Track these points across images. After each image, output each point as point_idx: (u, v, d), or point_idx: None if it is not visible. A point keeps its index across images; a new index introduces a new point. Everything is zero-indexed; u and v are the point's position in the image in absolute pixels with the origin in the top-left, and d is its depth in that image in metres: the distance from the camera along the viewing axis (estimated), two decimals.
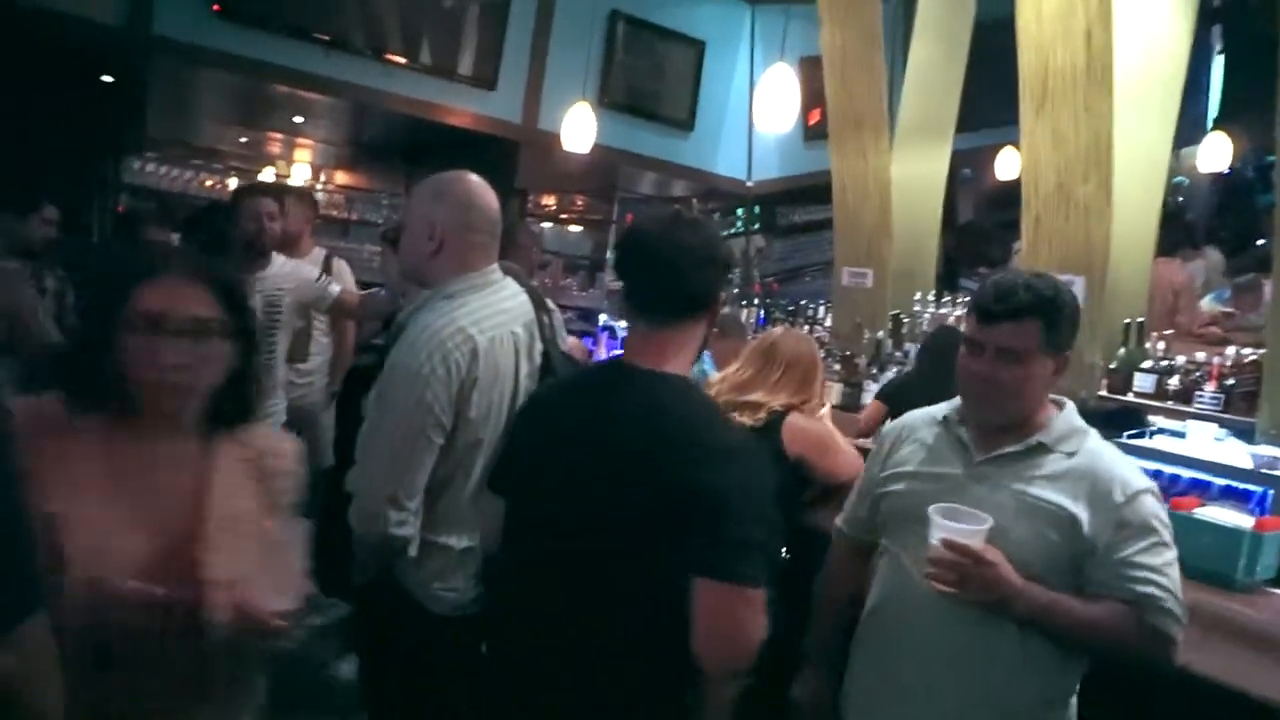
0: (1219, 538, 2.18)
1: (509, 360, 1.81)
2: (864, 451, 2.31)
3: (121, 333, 1.22)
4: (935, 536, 1.51)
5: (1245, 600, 2.12)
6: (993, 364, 1.57)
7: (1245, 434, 2.90)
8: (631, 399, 1.47)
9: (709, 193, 7.82)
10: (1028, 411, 1.62)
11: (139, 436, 1.26)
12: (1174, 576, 1.53)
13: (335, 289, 3.42)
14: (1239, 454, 2.73)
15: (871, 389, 3.99)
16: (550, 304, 2.12)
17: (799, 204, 7.63)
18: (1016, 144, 3.93)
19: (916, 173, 4.74)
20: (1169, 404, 3.24)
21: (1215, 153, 6.41)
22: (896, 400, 3.32)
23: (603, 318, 7.12)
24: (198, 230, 3.21)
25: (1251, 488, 2.55)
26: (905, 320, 4.46)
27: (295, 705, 1.70)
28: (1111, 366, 3.47)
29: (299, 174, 8.21)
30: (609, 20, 6.45)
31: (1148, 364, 3.38)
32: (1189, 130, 5.42)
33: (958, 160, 5.13)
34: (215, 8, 5.06)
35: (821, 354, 2.81)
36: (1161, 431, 3.05)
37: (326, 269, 3.72)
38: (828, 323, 5.10)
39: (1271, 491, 2.51)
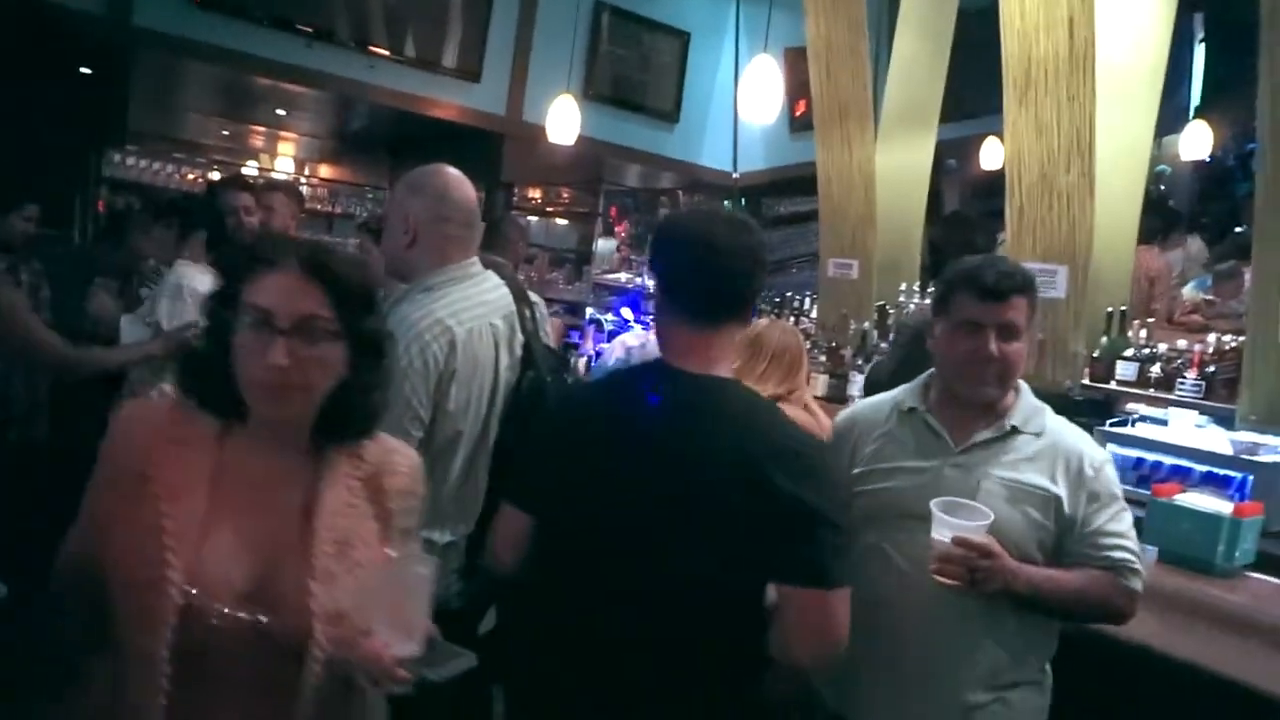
0: (1199, 523, 2.21)
1: (488, 352, 1.81)
2: None
3: (232, 328, 1.13)
4: (940, 532, 1.51)
5: (1225, 585, 2.15)
6: (997, 341, 1.62)
7: (1226, 421, 2.93)
8: (704, 406, 1.41)
9: (694, 184, 7.82)
10: (1012, 389, 1.68)
11: (248, 446, 1.16)
12: (1135, 536, 1.65)
13: None
14: (1219, 440, 2.75)
15: (857, 380, 4.00)
16: (534, 297, 2.12)
17: (785, 195, 7.63)
18: (1000, 134, 3.95)
19: (901, 163, 4.75)
20: (1151, 391, 3.27)
21: (1197, 141, 6.45)
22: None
23: (589, 311, 7.11)
24: (190, 223, 3.16)
25: (1231, 474, 2.57)
26: (891, 311, 4.48)
27: None
28: (1094, 355, 3.50)
29: (282, 167, 8.16)
30: (593, 12, 6.43)
31: (1130, 352, 3.41)
32: (1170, 118, 5.46)
33: (942, 150, 5.14)
34: None
35: (807, 345, 2.82)
36: (1143, 419, 3.07)
37: None
38: (814, 314, 5.10)
39: (1251, 477, 2.54)
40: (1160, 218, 5.71)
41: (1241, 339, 3.09)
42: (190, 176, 7.02)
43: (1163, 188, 7.11)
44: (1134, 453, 2.79)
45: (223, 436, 1.16)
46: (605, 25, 6.51)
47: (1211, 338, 3.29)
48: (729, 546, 1.35)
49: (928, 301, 4.65)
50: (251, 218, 3.32)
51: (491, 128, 6.27)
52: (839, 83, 4.66)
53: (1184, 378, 3.19)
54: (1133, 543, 1.62)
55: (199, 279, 2.97)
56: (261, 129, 7.81)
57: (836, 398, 3.99)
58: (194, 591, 1.07)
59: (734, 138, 7.05)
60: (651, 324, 3.64)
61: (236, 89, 6.28)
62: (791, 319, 4.98)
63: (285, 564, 1.12)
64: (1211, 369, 3.16)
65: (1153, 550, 2.20)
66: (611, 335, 5.33)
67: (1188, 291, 5.26)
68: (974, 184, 7.69)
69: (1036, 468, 1.62)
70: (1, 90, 4.94)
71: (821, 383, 4.12)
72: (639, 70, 6.81)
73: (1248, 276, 3.65)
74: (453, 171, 1.91)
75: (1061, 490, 1.60)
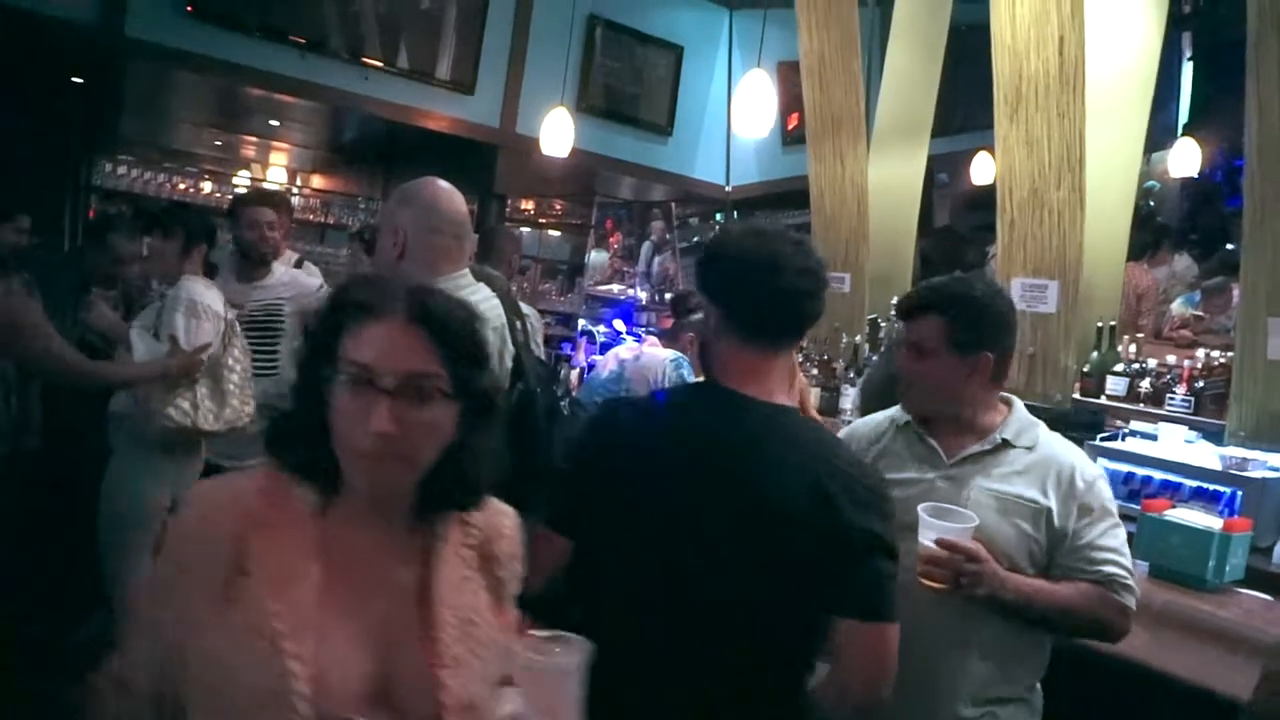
0: (1189, 539, 2.22)
1: None
2: None
3: (328, 386, 0.98)
4: (926, 536, 1.53)
5: (1215, 601, 2.16)
6: (906, 357, 1.70)
7: (1215, 436, 2.94)
8: (770, 434, 1.39)
9: (687, 197, 7.84)
10: (961, 408, 1.69)
11: (349, 520, 1.01)
12: (1128, 553, 1.65)
13: None
14: (1209, 456, 2.76)
15: (849, 393, 4.01)
16: (528, 309, 2.13)
17: (778, 209, 7.65)
18: (992, 149, 3.97)
19: (893, 177, 4.78)
20: (1141, 406, 3.28)
21: (1185, 158, 6.51)
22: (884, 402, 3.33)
23: (581, 322, 7.11)
24: (193, 236, 3.10)
25: (1221, 489, 2.58)
26: (883, 324, 4.49)
27: None
28: (1085, 370, 3.51)
29: (275, 178, 8.14)
30: (587, 25, 6.45)
31: (1120, 367, 3.42)
32: (1159, 135, 5.49)
33: (934, 164, 5.17)
34: (189, 9, 5.01)
35: (799, 358, 2.83)
36: (1133, 434, 3.08)
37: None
38: None
39: (1240, 493, 2.55)
40: (1149, 233, 5.75)
41: (1230, 355, 3.11)
42: (182, 186, 7.01)
43: (1151, 204, 7.16)
44: (1124, 467, 2.80)
45: (321, 511, 1.01)
46: (599, 38, 6.53)
47: (1200, 353, 3.30)
48: (792, 575, 1.34)
49: None
50: (274, 233, 3.32)
51: (485, 139, 6.27)
52: (832, 97, 4.69)
53: (1174, 393, 3.20)
54: (1125, 559, 1.63)
55: (209, 294, 2.97)
56: (254, 139, 7.79)
57: (829, 411, 4.00)
58: (321, 702, 0.92)
59: (727, 151, 7.07)
60: (691, 343, 3.58)
61: (229, 99, 6.27)
62: None
63: (406, 654, 0.99)
64: (1200, 384, 3.18)
65: (1142, 565, 2.20)
66: (605, 347, 5.33)
67: (1176, 307, 5.28)
68: (965, 198, 7.73)
69: (1027, 480, 1.63)
70: None
71: (814, 395, 4.13)
72: (632, 83, 6.83)
73: (1236, 292, 3.67)
74: (442, 184, 1.92)
75: (1052, 502, 1.61)
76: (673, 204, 8.47)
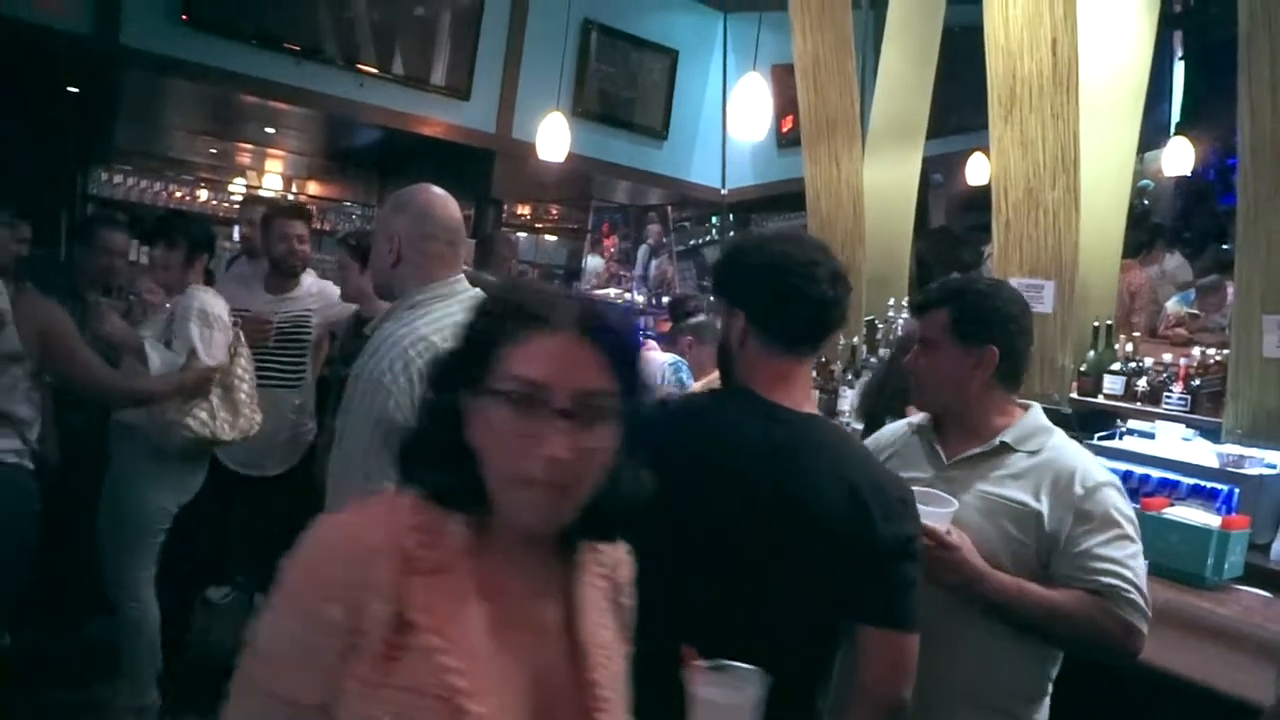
0: (1188, 537, 2.23)
1: None
2: None
3: (484, 406, 0.88)
4: None
5: (1214, 598, 2.16)
6: (916, 354, 1.72)
7: (1212, 434, 2.95)
8: (802, 441, 1.38)
9: (683, 201, 7.85)
10: (968, 406, 1.68)
11: (501, 552, 0.91)
12: (1137, 569, 1.56)
13: (353, 308, 3.35)
14: (1206, 454, 2.77)
15: (847, 395, 4.01)
16: None
17: (773, 212, 7.67)
18: (986, 149, 3.98)
19: (889, 178, 4.79)
20: (1138, 405, 3.29)
21: (1178, 157, 6.54)
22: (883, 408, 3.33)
23: None
24: (197, 245, 3.06)
25: (1218, 486, 2.59)
26: (880, 326, 4.50)
27: None
28: (1082, 369, 3.52)
29: (270, 185, 8.13)
30: (582, 29, 6.46)
31: (1116, 366, 3.43)
32: (1152, 135, 5.53)
33: (929, 166, 5.18)
34: (184, 17, 5.01)
35: None
36: (1131, 432, 3.09)
37: None
38: None
39: (1238, 490, 2.55)
40: (1144, 232, 5.78)
41: (1226, 352, 3.12)
42: (178, 194, 7.00)
43: (1145, 203, 7.19)
44: (1122, 465, 2.81)
45: (474, 545, 0.90)
46: (594, 43, 6.54)
47: (1196, 351, 3.32)
48: (820, 582, 1.34)
49: None
50: (304, 245, 3.32)
51: (481, 145, 6.28)
52: (826, 99, 4.70)
53: (1170, 391, 3.21)
54: (1130, 572, 1.54)
55: (217, 303, 2.97)
56: (249, 147, 7.79)
57: (827, 413, 4.00)
58: None
59: (722, 154, 7.09)
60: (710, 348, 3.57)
61: (224, 107, 6.27)
62: None
63: (561, 697, 0.91)
64: (1197, 382, 3.19)
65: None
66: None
67: (1172, 305, 5.31)
68: (960, 199, 7.76)
69: (1020, 484, 1.62)
70: None
71: (812, 398, 4.13)
72: (628, 87, 6.85)
73: (1230, 290, 3.69)
74: (436, 190, 1.93)
75: (1044, 507, 1.58)
76: (669, 207, 8.49)
